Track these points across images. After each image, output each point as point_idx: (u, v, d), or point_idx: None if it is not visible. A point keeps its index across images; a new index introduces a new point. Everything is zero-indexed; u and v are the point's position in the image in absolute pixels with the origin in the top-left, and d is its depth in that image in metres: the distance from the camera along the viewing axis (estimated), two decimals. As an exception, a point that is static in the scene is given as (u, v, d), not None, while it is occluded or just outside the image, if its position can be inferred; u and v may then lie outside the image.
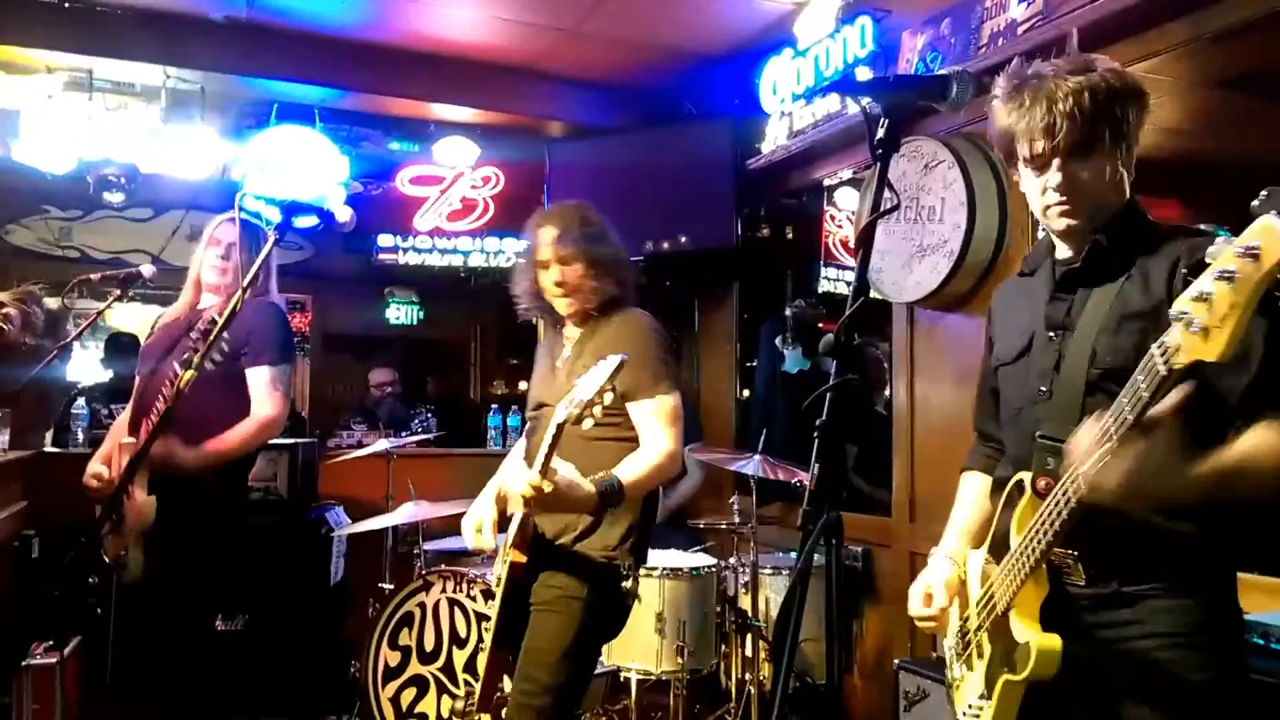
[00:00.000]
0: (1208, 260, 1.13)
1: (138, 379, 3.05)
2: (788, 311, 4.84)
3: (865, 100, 1.53)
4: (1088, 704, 1.52)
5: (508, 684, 2.34)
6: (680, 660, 3.38)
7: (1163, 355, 1.20)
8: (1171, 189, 3.64)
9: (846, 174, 4.45)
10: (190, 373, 2.52)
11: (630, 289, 2.51)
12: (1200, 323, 1.12)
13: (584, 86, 5.25)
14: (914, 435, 3.70)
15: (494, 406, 5.51)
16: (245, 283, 2.64)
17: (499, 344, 7.80)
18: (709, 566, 3.60)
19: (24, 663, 3.20)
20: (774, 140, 4.44)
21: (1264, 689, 1.93)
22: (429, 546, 3.84)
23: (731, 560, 3.76)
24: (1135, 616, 1.49)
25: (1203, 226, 1.66)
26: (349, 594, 4.20)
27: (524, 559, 2.20)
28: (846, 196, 5.20)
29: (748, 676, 3.52)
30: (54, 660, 3.16)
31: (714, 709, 3.65)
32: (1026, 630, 1.51)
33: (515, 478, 2.14)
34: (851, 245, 5.29)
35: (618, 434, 2.33)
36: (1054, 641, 1.47)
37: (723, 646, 3.58)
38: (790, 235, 5.32)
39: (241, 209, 2.92)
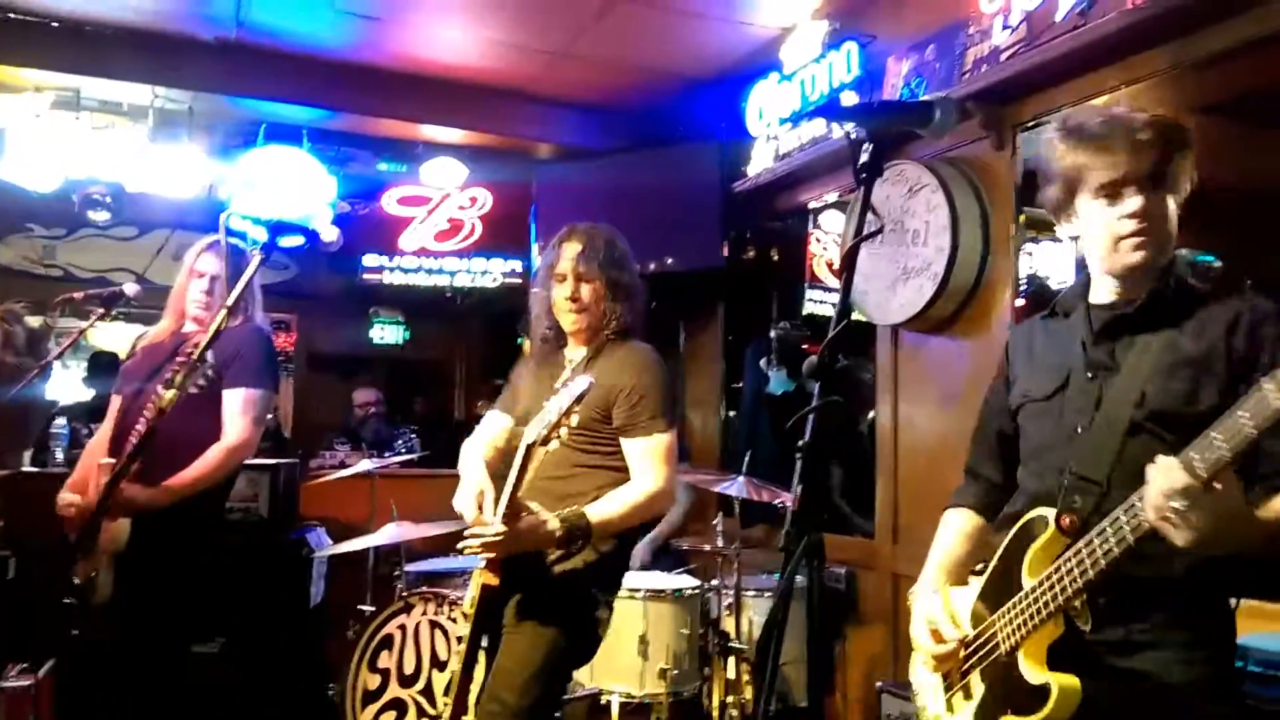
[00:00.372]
0: None
1: (118, 399, 3.02)
2: (772, 333, 4.85)
3: (849, 125, 1.54)
4: None
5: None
6: (663, 683, 3.36)
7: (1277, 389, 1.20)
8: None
9: (832, 197, 4.48)
10: (172, 393, 2.51)
11: (640, 321, 2.50)
12: None
13: (572, 108, 5.28)
14: (898, 457, 3.70)
15: (478, 427, 5.49)
16: (229, 302, 2.63)
17: (484, 364, 7.78)
18: (692, 589, 3.58)
19: (-3, 685, 3.15)
20: (760, 163, 4.47)
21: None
22: (411, 568, 3.81)
23: (715, 582, 3.74)
24: (1144, 663, 1.51)
25: (1183, 251, 1.69)
26: (329, 616, 4.16)
27: (496, 581, 2.18)
28: (832, 219, 5.24)
29: (730, 699, 3.50)
30: (28, 683, 3.11)
31: (697, 733, 3.63)
32: (1038, 672, 1.50)
33: (477, 529, 2.13)
34: (836, 268, 5.32)
35: (609, 463, 2.32)
36: (1074, 682, 1.47)
37: (705, 669, 3.56)
38: (776, 257, 5.35)
39: (227, 229, 2.91)
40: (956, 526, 1.89)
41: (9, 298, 4.19)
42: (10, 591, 3.63)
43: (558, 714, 2.42)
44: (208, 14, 4.36)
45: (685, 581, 3.69)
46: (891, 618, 3.62)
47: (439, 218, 5.94)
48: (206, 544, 2.93)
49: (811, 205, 4.79)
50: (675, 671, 3.39)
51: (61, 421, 4.57)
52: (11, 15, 4.33)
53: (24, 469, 4.33)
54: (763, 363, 4.82)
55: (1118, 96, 3.03)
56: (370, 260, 5.93)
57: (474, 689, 2.24)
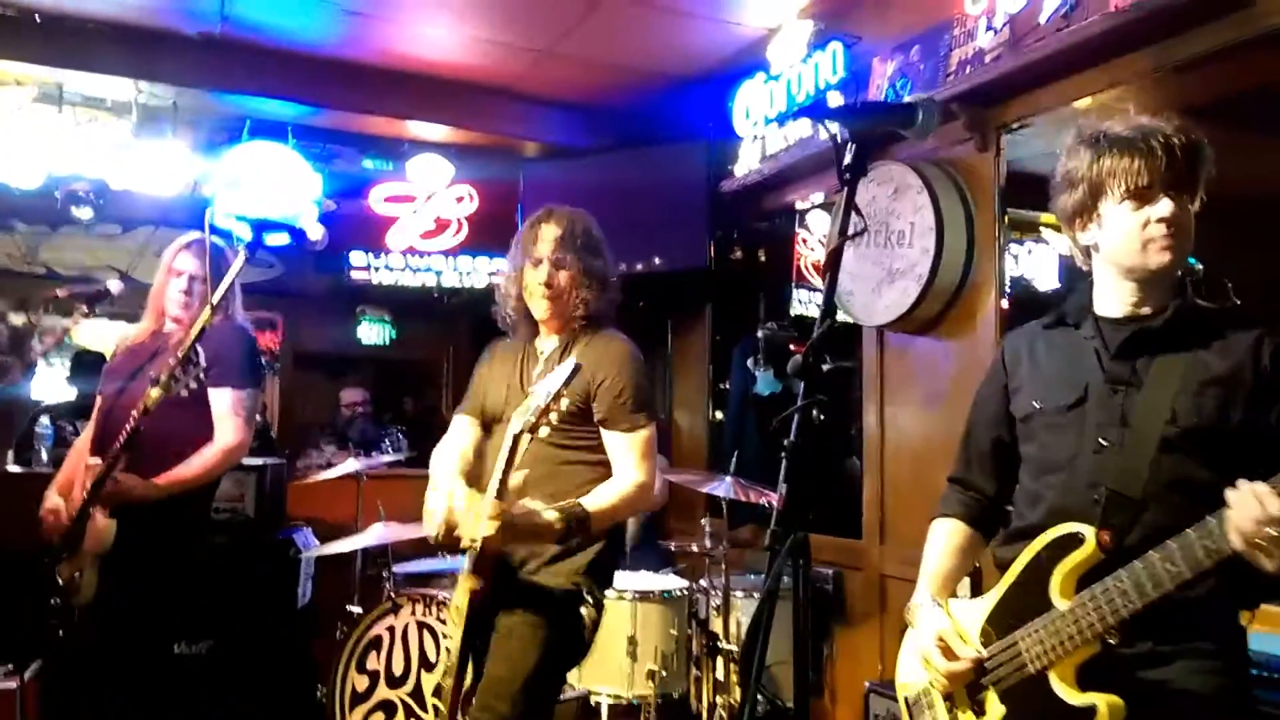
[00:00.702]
0: None
1: (100, 399, 3.01)
2: (759, 333, 4.86)
3: (834, 125, 1.55)
4: None
5: None
6: (651, 684, 3.36)
7: None
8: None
9: (818, 197, 4.50)
10: (158, 391, 2.50)
11: (613, 311, 2.45)
12: None
13: (559, 107, 5.28)
14: (884, 457, 3.72)
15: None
16: (214, 300, 2.62)
17: (471, 364, 7.76)
18: (680, 589, 3.59)
19: (-18, 686, 3.13)
20: (747, 163, 4.48)
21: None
22: (399, 569, 3.80)
23: (703, 583, 3.75)
24: (1169, 675, 1.52)
25: None
26: (317, 617, 4.15)
27: (481, 584, 2.11)
28: (818, 220, 5.24)
29: (719, 700, 3.51)
30: (14, 685, 3.10)
31: (685, 733, 3.64)
32: (1072, 692, 1.52)
33: (468, 516, 2.03)
34: (822, 268, 5.33)
35: (590, 458, 2.28)
36: (1119, 702, 1.49)
37: (694, 670, 3.57)
38: (762, 258, 5.36)
39: (212, 227, 2.89)
40: (947, 537, 1.88)
41: (-9, 296, 4.16)
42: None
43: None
44: (192, 9, 4.34)
45: (673, 582, 3.70)
46: (879, 618, 3.64)
47: (425, 216, 5.92)
48: (192, 544, 2.92)
49: (798, 205, 4.80)
50: (663, 673, 3.40)
51: (46, 421, 4.53)
52: (-6, 10, 4.30)
53: (7, 468, 4.31)
54: (749, 363, 4.83)
55: (1102, 98, 3.06)
56: (357, 259, 5.90)
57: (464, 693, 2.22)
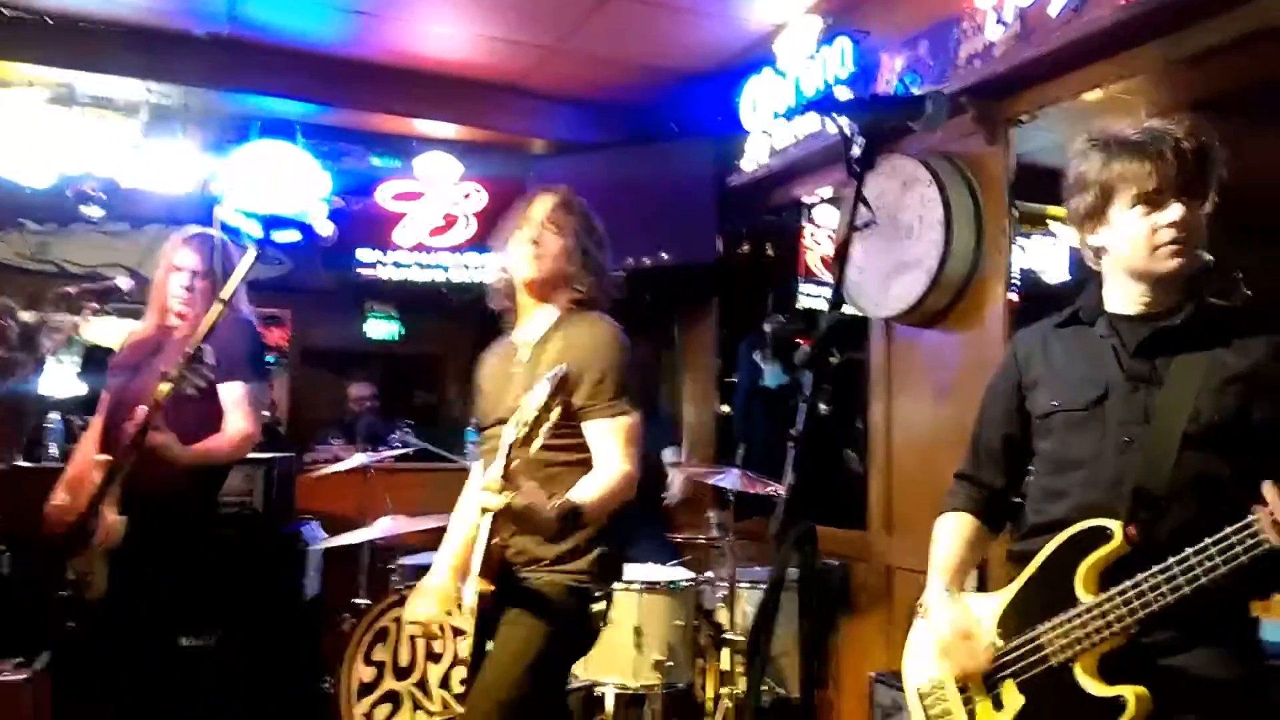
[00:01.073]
0: None
1: (106, 396, 3.03)
2: (767, 327, 4.87)
3: (843, 119, 1.55)
4: None
5: None
6: (657, 674, 3.37)
7: None
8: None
9: (826, 192, 4.50)
10: (168, 386, 2.52)
11: (601, 298, 2.35)
12: None
13: (567, 103, 5.29)
14: (891, 449, 3.72)
15: (473, 422, 5.49)
16: (224, 295, 2.64)
17: (478, 360, 7.77)
18: (687, 581, 3.60)
19: (-7, 678, 3.15)
20: (755, 158, 4.48)
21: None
22: (405, 561, 3.81)
23: (709, 574, 3.76)
24: (1189, 662, 1.55)
25: None
26: (324, 609, 4.17)
27: (492, 588, 2.08)
28: (826, 214, 5.25)
29: (724, 690, 3.52)
30: (23, 676, 3.12)
31: (691, 724, 3.65)
32: (1098, 684, 1.54)
33: (479, 493, 1.98)
34: (830, 262, 5.34)
35: (580, 457, 2.20)
36: (1146, 693, 1.51)
37: (700, 661, 3.58)
38: (770, 252, 5.36)
39: (222, 224, 2.91)
40: (957, 530, 1.89)
41: (2, 293, 4.18)
42: (6, 586, 3.64)
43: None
44: (200, 9, 4.36)
45: (680, 573, 3.70)
46: (885, 609, 3.64)
47: (433, 213, 5.92)
48: (201, 538, 2.94)
49: (806, 200, 4.81)
50: (670, 663, 3.40)
51: (56, 416, 4.56)
52: (5, 11, 4.33)
53: (18, 463, 4.33)
54: (756, 356, 4.84)
55: (1111, 91, 3.05)
56: (365, 255, 5.90)
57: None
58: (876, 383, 3.82)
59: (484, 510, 1.91)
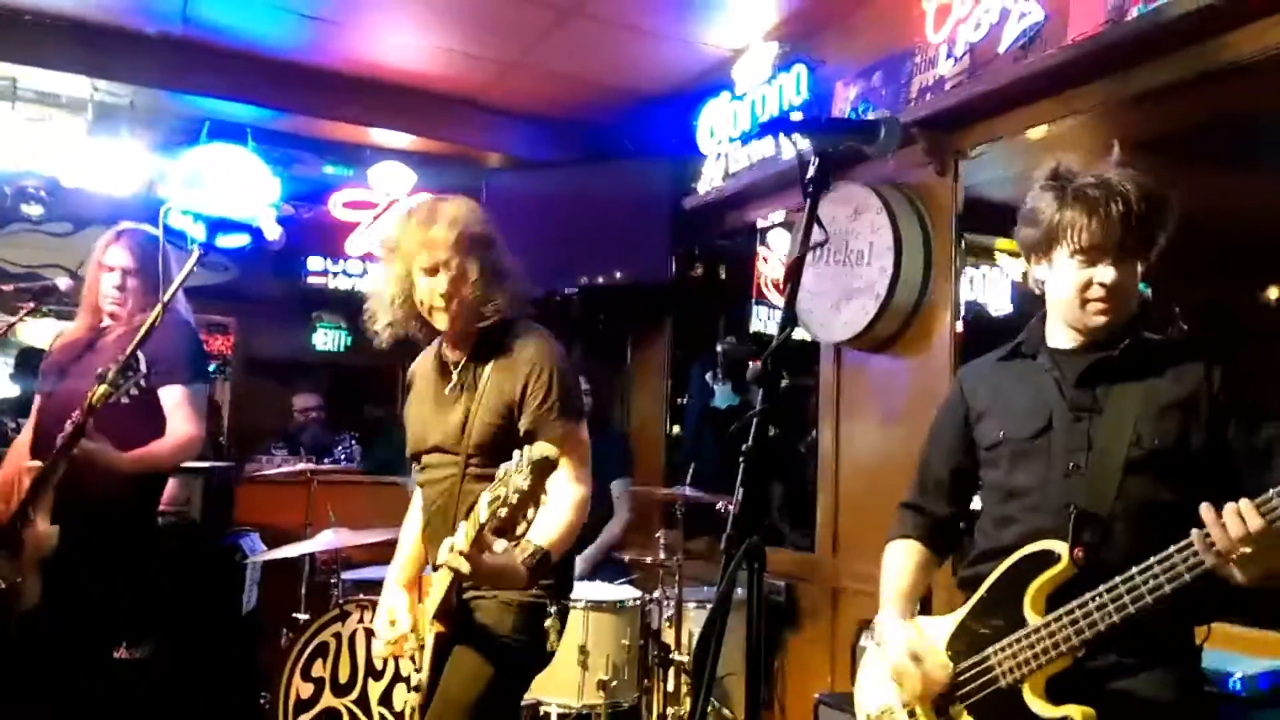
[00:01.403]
0: None
1: (38, 399, 2.95)
2: (719, 348, 4.90)
3: (798, 139, 1.57)
4: None
5: None
6: (602, 694, 3.35)
7: None
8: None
9: (779, 216, 4.55)
10: (104, 388, 2.45)
11: (521, 303, 2.22)
12: None
13: (524, 119, 5.28)
14: (839, 472, 3.76)
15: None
16: (166, 299, 2.58)
17: (428, 373, 7.69)
18: (633, 599, 3.59)
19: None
20: (710, 180, 4.52)
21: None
22: (347, 575, 3.75)
23: (656, 594, 3.75)
24: (1135, 685, 1.58)
25: None
26: (262, 623, 4.08)
27: (446, 629, 2.10)
28: (779, 238, 5.31)
29: (670, 711, 3.50)
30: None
31: (634, 745, 3.63)
32: (1044, 704, 1.56)
33: (442, 552, 1.93)
34: (782, 282, 5.40)
35: None
36: (1092, 712, 1.54)
37: (645, 681, 3.56)
38: (723, 274, 5.41)
39: (165, 226, 2.85)
40: (906, 557, 1.92)
41: (-65, 292, 4.05)
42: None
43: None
44: (153, 8, 4.28)
45: (626, 592, 3.69)
46: (830, 630, 3.66)
47: (386, 222, 5.88)
48: (137, 548, 2.86)
49: (759, 224, 4.86)
50: (614, 682, 3.39)
51: (-14, 419, 4.42)
52: (-55, 1, 4.21)
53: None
54: (708, 377, 4.86)
55: (1056, 129, 3.13)
56: (315, 264, 5.84)
57: None
58: (825, 406, 3.86)
59: (451, 570, 1.86)
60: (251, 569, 4.06)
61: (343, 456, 5.50)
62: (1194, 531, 1.46)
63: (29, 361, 5.11)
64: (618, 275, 4.71)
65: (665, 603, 3.70)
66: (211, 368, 5.21)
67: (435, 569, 2.14)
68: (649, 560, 3.81)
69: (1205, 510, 1.45)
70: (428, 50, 4.58)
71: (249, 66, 4.72)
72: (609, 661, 3.38)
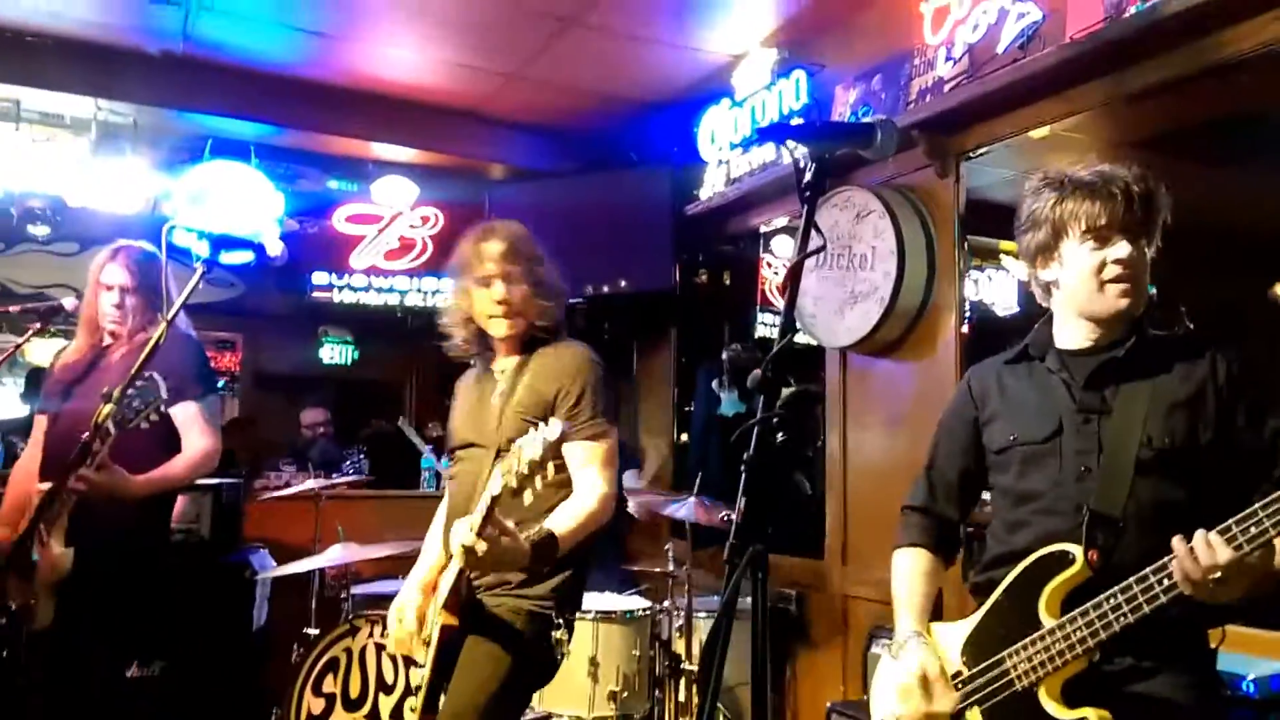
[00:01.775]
0: None
1: (43, 421, 2.94)
2: (724, 355, 4.89)
3: (795, 145, 1.57)
4: None
5: None
6: (613, 705, 3.34)
7: None
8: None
9: (782, 221, 4.55)
10: (110, 407, 2.45)
11: (564, 320, 2.40)
12: None
13: (525, 130, 5.30)
14: (847, 478, 3.74)
15: (429, 448, 5.44)
16: (170, 316, 2.59)
17: (435, 386, 7.71)
18: (643, 610, 3.57)
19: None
20: (712, 187, 4.52)
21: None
22: (357, 590, 3.75)
23: (666, 604, 3.74)
24: (1153, 688, 1.57)
25: None
26: (273, 639, 4.07)
27: (456, 622, 2.11)
28: (782, 244, 5.30)
29: (680, 722, 3.49)
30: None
31: (646, 756, 3.61)
32: (1060, 707, 1.56)
33: (455, 532, 1.97)
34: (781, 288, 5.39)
35: (556, 478, 2.17)
36: (1108, 715, 1.53)
37: (656, 691, 3.54)
38: (727, 281, 5.40)
39: (169, 244, 2.86)
40: (917, 565, 1.90)
41: (-57, 313, 4.07)
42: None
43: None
44: (154, 27, 4.30)
45: (636, 603, 3.68)
46: (841, 638, 3.65)
47: (390, 236, 5.90)
48: (150, 569, 2.86)
49: (762, 229, 4.85)
50: (625, 694, 3.37)
51: (-5, 439, 4.44)
52: (-51, 24, 4.24)
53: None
54: (714, 384, 4.85)
55: (1057, 129, 3.13)
56: (320, 278, 5.85)
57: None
58: (832, 412, 3.85)
59: (462, 548, 1.89)
60: (261, 585, 4.06)
61: (351, 470, 5.49)
62: (1176, 544, 1.47)
63: (37, 382, 5.13)
64: (622, 284, 4.71)
65: (675, 613, 3.69)
66: (219, 384, 5.22)
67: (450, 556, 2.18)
68: (658, 570, 3.80)
69: (1176, 542, 1.47)
70: (429, 63, 4.60)
71: (251, 83, 4.75)
72: (619, 672, 3.37)
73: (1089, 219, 1.65)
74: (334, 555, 3.55)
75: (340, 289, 5.87)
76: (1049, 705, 1.57)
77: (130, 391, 2.48)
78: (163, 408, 2.54)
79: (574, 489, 2.20)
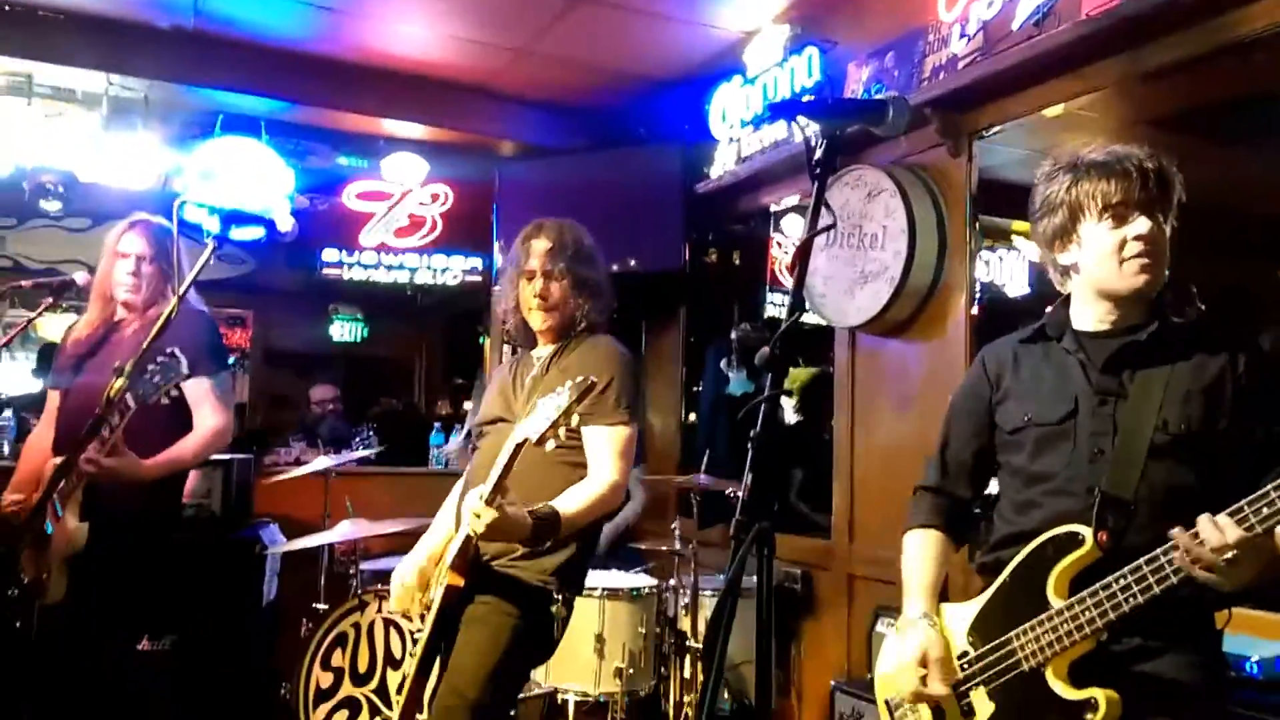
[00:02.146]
0: None
1: (56, 396, 2.96)
2: (733, 335, 4.88)
3: (805, 122, 1.56)
4: None
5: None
6: (619, 682, 3.36)
7: None
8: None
9: (793, 200, 4.52)
10: (121, 381, 2.46)
11: (606, 319, 2.50)
12: None
13: (535, 107, 5.28)
14: (854, 458, 3.74)
15: (437, 425, 5.46)
16: (182, 291, 2.60)
17: (444, 363, 7.74)
18: (649, 588, 3.59)
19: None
20: (722, 165, 4.49)
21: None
22: (366, 566, 3.78)
23: (672, 581, 3.75)
24: (1160, 668, 1.58)
25: None
26: (282, 614, 4.11)
27: (461, 582, 2.15)
28: (793, 223, 5.28)
29: (686, 699, 3.51)
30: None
31: (652, 732, 3.64)
32: (1068, 688, 1.56)
33: (468, 500, 2.06)
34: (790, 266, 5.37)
35: (571, 459, 2.28)
36: (1115, 695, 1.54)
37: (662, 668, 3.57)
38: (737, 260, 5.38)
39: (180, 219, 2.86)
40: (929, 548, 1.90)
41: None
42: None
43: (513, 712, 2.39)
44: (165, 1, 4.29)
45: (642, 581, 3.70)
46: (846, 617, 3.66)
47: (400, 214, 5.89)
48: (163, 544, 2.88)
49: (773, 208, 4.83)
50: (631, 670, 3.40)
51: (9, 414, 4.47)
52: (-39, -2, 4.24)
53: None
54: (723, 364, 4.85)
55: (1071, 107, 3.10)
56: (329, 255, 5.86)
57: (428, 689, 2.22)
58: (840, 392, 3.84)
59: (473, 513, 1.96)
60: (271, 560, 4.09)
61: (361, 447, 5.52)
62: (1176, 531, 1.47)
63: (49, 357, 5.16)
64: (631, 263, 4.69)
65: (681, 590, 3.70)
66: (230, 361, 5.25)
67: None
68: (664, 548, 3.82)
69: (1176, 531, 1.47)
70: (438, 39, 4.58)
71: (261, 58, 4.73)
72: (625, 649, 3.39)
73: (1105, 198, 1.65)
74: (343, 531, 3.58)
75: (350, 266, 5.88)
76: (1056, 685, 1.57)
77: (151, 366, 2.48)
78: (182, 384, 2.55)
79: (589, 473, 2.26)
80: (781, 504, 4.24)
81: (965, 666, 1.71)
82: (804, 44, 3.94)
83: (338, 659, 3.30)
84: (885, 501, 3.48)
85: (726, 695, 3.54)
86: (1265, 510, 1.39)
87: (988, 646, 1.69)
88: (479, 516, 1.95)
